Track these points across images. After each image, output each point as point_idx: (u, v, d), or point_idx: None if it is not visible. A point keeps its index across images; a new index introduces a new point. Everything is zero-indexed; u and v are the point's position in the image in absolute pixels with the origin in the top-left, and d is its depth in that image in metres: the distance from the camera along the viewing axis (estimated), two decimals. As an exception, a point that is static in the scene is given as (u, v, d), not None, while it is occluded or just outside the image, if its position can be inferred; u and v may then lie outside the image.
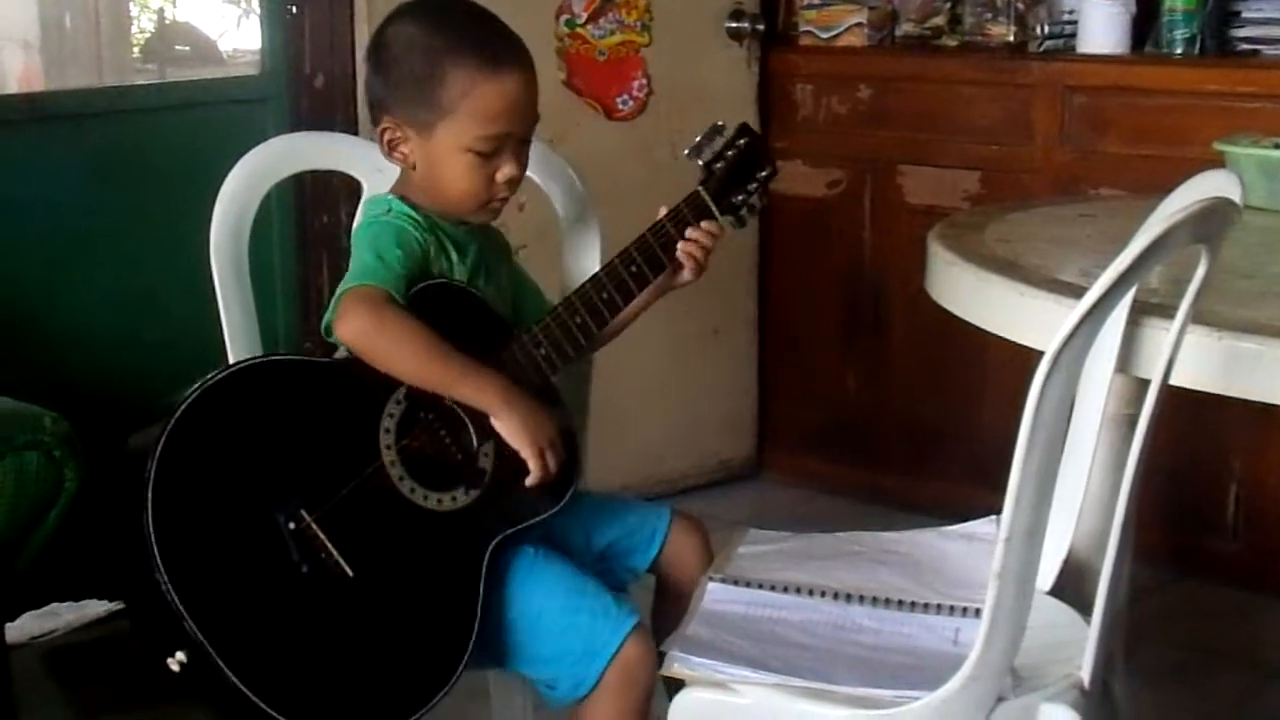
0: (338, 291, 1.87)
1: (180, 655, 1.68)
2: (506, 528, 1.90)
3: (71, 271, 3.12)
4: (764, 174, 2.12)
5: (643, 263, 2.01)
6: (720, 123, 2.13)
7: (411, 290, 1.88)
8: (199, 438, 1.74)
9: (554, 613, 1.89)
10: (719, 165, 2.10)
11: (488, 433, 1.89)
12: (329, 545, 1.75)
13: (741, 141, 2.11)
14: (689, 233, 2.04)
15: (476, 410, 1.89)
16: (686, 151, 2.10)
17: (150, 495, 1.68)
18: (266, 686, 1.69)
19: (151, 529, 1.67)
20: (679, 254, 2.04)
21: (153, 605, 1.67)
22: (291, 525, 1.75)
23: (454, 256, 1.97)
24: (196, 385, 1.76)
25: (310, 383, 1.86)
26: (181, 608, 1.66)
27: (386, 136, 1.97)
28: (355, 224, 2.02)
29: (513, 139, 1.95)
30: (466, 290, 1.96)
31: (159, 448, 1.70)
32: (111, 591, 1.79)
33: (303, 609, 1.74)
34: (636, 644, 1.87)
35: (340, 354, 1.91)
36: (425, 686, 1.80)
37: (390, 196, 1.99)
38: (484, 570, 1.87)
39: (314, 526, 1.75)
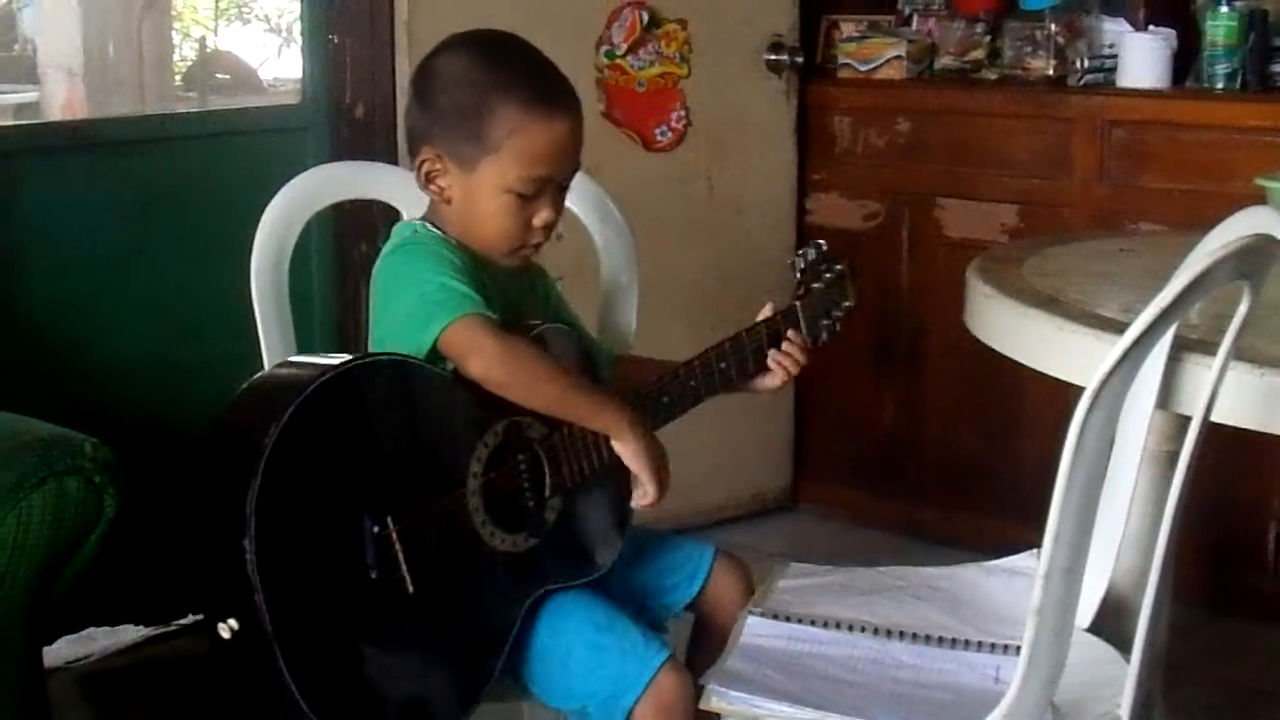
0: (436, 325, 1.82)
1: (232, 623, 1.67)
2: (549, 583, 1.91)
3: (113, 298, 3.14)
4: (848, 304, 2.17)
5: (733, 362, 2.02)
6: (820, 242, 2.17)
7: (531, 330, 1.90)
8: (319, 422, 1.72)
9: (580, 651, 1.88)
10: (817, 286, 2.13)
11: (562, 486, 1.89)
12: (401, 557, 1.74)
13: (838, 267, 2.16)
14: (789, 349, 2.06)
15: (559, 462, 1.88)
16: (790, 262, 2.14)
17: (261, 467, 1.65)
18: (305, 677, 1.68)
19: (254, 499, 1.65)
20: (772, 361, 2.05)
21: (226, 569, 1.66)
22: (375, 529, 1.72)
23: (488, 284, 1.92)
24: (328, 366, 1.75)
25: (427, 393, 1.84)
26: (257, 581, 1.65)
27: (425, 168, 1.93)
28: (387, 249, 1.97)
29: (553, 184, 1.93)
30: (571, 332, 1.98)
31: (283, 421, 1.67)
32: (187, 536, 1.76)
33: (359, 612, 1.74)
34: (667, 681, 1.85)
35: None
36: (444, 713, 1.82)
37: (415, 224, 1.97)
38: (520, 619, 1.88)
39: (394, 535, 1.73)
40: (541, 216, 1.92)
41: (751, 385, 2.08)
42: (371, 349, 1.95)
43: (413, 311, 1.85)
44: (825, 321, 2.13)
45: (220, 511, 1.69)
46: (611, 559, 1.98)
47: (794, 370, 2.05)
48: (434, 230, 1.94)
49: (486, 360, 1.81)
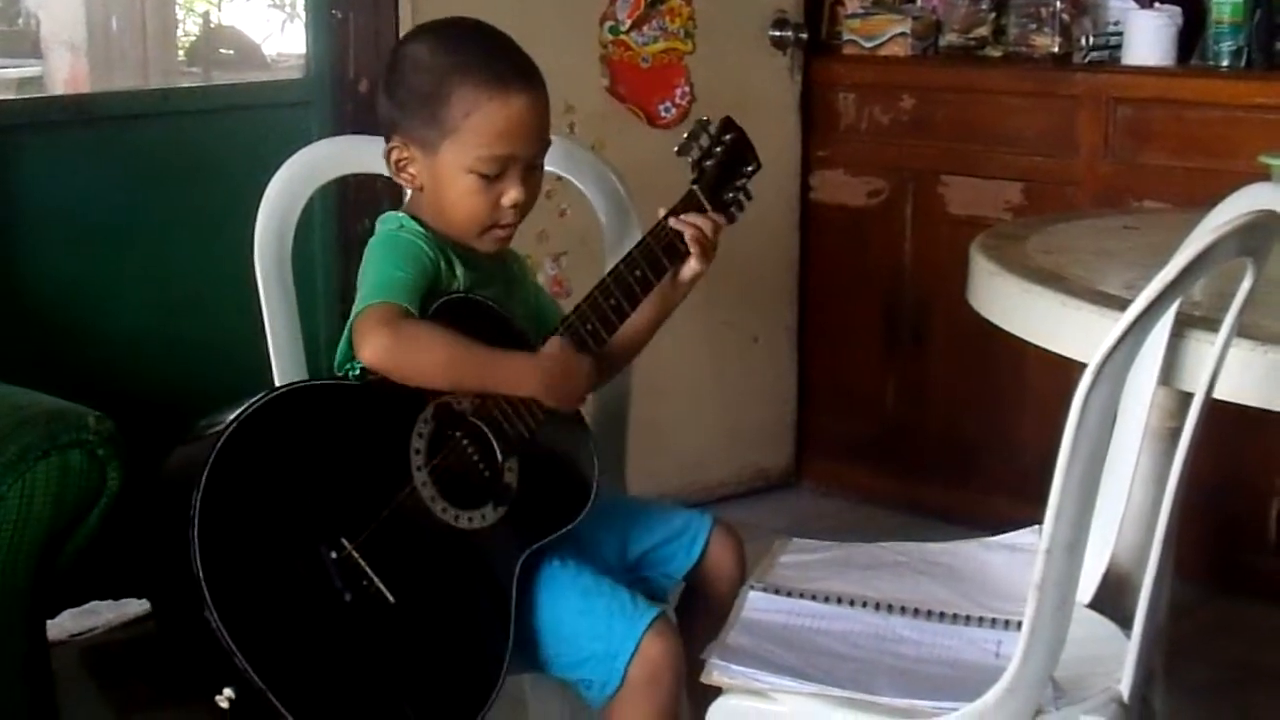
0: (351, 317, 1.85)
1: (228, 691, 1.66)
2: (533, 542, 1.90)
3: (116, 273, 3.14)
4: (750, 169, 2.12)
5: (646, 266, 2.01)
6: (705, 118, 2.13)
7: (433, 305, 1.87)
8: (240, 470, 1.71)
9: (571, 617, 1.90)
10: (709, 163, 2.09)
11: (512, 447, 1.89)
12: (370, 572, 1.74)
13: (727, 137, 2.11)
14: (688, 218, 2.03)
15: (500, 426, 1.88)
16: (676, 149, 2.09)
17: (196, 533, 1.65)
18: (318, 718, 1.69)
19: (200, 568, 1.64)
20: (687, 239, 2.02)
21: (200, 643, 1.65)
22: (334, 555, 1.73)
23: (459, 274, 1.94)
24: (233, 417, 1.73)
25: (343, 406, 1.84)
26: (232, 644, 1.64)
27: (394, 156, 1.96)
28: (373, 238, 1.98)
29: (518, 162, 1.93)
30: (484, 303, 1.94)
31: (202, 482, 1.67)
32: (158, 624, 1.76)
33: (348, 637, 1.73)
34: (657, 639, 1.86)
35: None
36: (468, 705, 1.81)
37: (401, 214, 1.97)
38: (515, 585, 1.87)
39: (355, 554, 1.74)
40: (510, 196, 1.93)
41: (680, 281, 2.05)
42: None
43: (358, 301, 1.87)
44: (731, 193, 2.10)
45: (173, 588, 1.68)
46: (589, 495, 1.96)
47: (707, 241, 2.03)
48: (416, 224, 1.94)
49: (372, 348, 1.80)
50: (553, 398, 1.91)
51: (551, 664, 1.92)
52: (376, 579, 1.74)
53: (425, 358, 1.83)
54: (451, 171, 1.92)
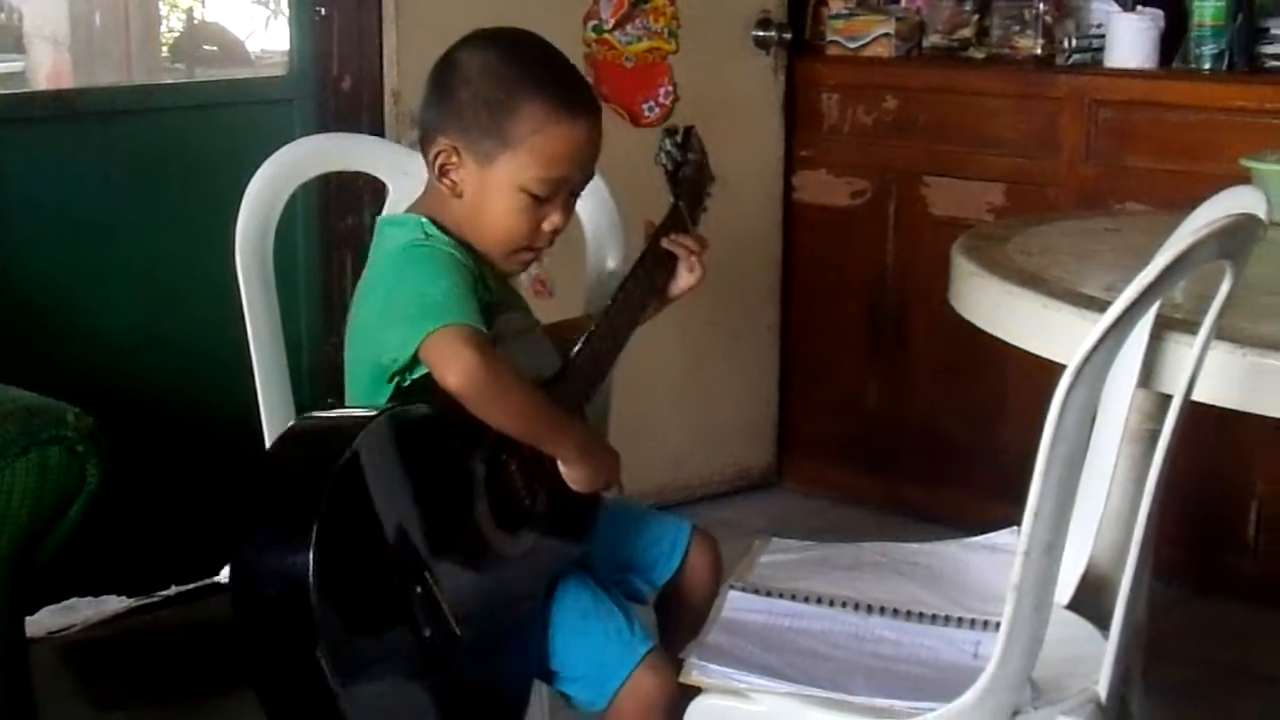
0: (421, 331, 1.75)
1: None
2: (555, 565, 1.90)
3: (97, 269, 3.13)
4: (712, 182, 2.18)
5: (646, 285, 2.03)
6: (672, 126, 2.15)
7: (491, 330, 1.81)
8: (349, 503, 1.65)
9: (564, 636, 1.89)
10: (685, 171, 2.13)
11: (546, 474, 1.87)
12: (444, 606, 1.70)
13: (692, 156, 2.15)
14: (680, 239, 2.07)
15: (540, 453, 1.86)
16: (655, 159, 2.13)
17: (313, 566, 1.57)
18: None
19: (316, 605, 1.57)
20: (681, 259, 2.06)
21: (299, 677, 1.60)
22: (419, 590, 1.69)
23: (492, 286, 1.90)
24: (344, 440, 1.66)
25: (425, 433, 1.78)
26: (339, 688, 1.58)
27: (440, 160, 1.89)
28: (387, 246, 1.91)
29: (568, 186, 1.90)
30: (535, 325, 1.94)
31: (315, 529, 1.59)
32: (243, 638, 1.67)
33: (423, 673, 1.71)
34: (649, 673, 1.85)
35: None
36: None
37: (420, 219, 1.90)
38: (540, 608, 1.87)
39: (435, 589, 1.69)
40: (552, 220, 1.90)
41: (669, 296, 2.09)
42: (350, 335, 1.93)
43: (409, 310, 1.79)
44: (701, 208, 2.15)
45: (277, 617, 1.61)
46: (596, 521, 1.96)
47: (701, 261, 2.07)
48: (441, 233, 1.88)
49: (462, 375, 1.73)
50: (580, 476, 1.87)
51: (551, 677, 1.92)
52: (449, 613, 1.71)
53: (508, 401, 1.78)
54: (502, 186, 1.87)
